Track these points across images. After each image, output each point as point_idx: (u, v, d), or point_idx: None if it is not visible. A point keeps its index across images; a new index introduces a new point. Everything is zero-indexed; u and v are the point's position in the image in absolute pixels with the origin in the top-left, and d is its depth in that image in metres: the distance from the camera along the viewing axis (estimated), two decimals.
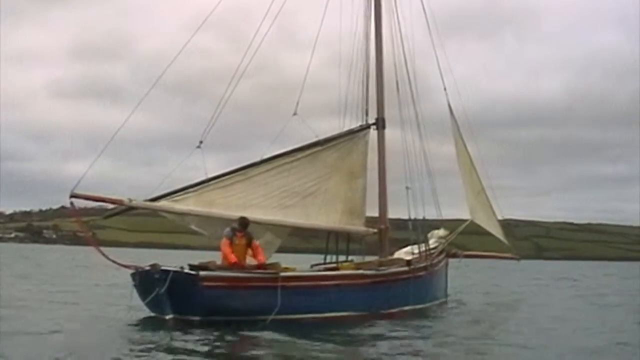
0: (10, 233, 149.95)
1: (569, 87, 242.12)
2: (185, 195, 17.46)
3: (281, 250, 19.07)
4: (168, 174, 17.95)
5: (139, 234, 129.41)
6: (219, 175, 17.85)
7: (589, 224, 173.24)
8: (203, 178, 17.58)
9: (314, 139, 18.92)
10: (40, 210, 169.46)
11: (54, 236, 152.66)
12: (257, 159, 18.25)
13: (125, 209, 17.66)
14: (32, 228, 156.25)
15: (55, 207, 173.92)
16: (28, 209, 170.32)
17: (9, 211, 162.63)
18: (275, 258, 18.52)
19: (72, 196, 16.32)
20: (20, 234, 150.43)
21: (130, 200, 17.11)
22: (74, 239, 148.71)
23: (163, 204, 17.41)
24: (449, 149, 22.10)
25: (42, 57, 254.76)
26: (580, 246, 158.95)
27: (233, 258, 15.72)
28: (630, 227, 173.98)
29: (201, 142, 17.82)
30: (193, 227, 17.92)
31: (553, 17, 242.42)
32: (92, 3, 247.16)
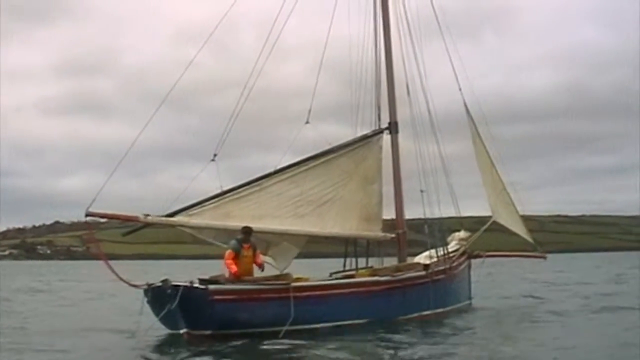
0: (5, 250, 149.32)
1: (550, 83, 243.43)
2: (201, 209, 17.34)
3: (302, 256, 18.93)
4: (184, 189, 17.70)
5: (134, 245, 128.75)
6: (234, 188, 17.75)
7: (583, 216, 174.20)
8: (218, 191, 17.54)
9: (326, 147, 18.76)
10: (34, 227, 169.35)
11: (48, 252, 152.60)
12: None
13: (143, 226, 17.43)
14: (26, 244, 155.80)
15: (48, 222, 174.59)
16: (21, 226, 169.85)
17: (2, 228, 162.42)
18: (295, 264, 18.44)
19: (87, 215, 16.15)
20: (14, 251, 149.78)
21: (146, 216, 16.95)
22: (68, 254, 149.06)
23: (179, 219, 17.32)
24: (452, 148, 21.75)
25: (30, 76, 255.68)
26: (575, 239, 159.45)
27: (234, 269, 15.58)
28: (623, 217, 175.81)
29: (215, 155, 17.72)
30: (211, 240, 17.73)
31: (530, 14, 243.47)
32: (77, 21, 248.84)
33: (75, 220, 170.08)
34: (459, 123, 21.93)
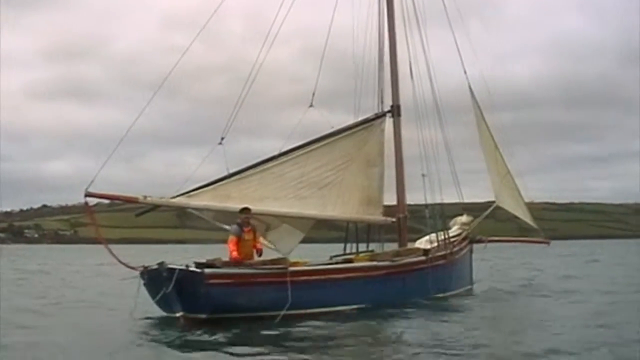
0: None
1: (535, 72, 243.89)
2: (202, 191, 17.19)
3: (309, 240, 18.78)
4: (189, 176, 17.58)
5: (122, 229, 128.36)
6: (236, 172, 17.61)
7: (571, 204, 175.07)
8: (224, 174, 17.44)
9: (330, 130, 18.63)
10: (21, 210, 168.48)
11: (36, 235, 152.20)
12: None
13: (155, 207, 17.22)
14: (13, 228, 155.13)
15: (36, 206, 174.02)
16: (9, 209, 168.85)
17: None
18: (299, 249, 18.28)
19: (86, 195, 15.89)
20: (2, 235, 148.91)
21: (145, 197, 16.73)
22: (56, 238, 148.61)
23: (179, 200, 17.14)
24: (452, 134, 21.47)
25: (17, 60, 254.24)
26: (562, 226, 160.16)
27: (234, 255, 15.48)
28: (610, 205, 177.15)
29: (222, 138, 17.56)
30: (211, 221, 17.62)
31: (515, 4, 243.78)
32: (65, 6, 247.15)
33: (63, 203, 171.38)
34: (457, 109, 21.80)
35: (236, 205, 16.75)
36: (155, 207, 17.24)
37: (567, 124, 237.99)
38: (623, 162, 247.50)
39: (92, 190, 15.72)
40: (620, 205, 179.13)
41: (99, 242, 16.01)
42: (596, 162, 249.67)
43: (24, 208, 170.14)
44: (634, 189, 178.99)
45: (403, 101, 19.81)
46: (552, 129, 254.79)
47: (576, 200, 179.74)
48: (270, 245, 17.80)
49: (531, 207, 23.08)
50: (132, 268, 15.41)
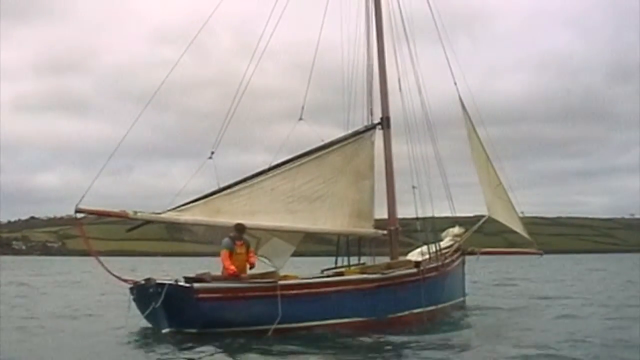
0: None
1: (524, 86, 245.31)
2: (192, 206, 17.16)
3: (299, 254, 18.77)
4: (180, 190, 17.62)
5: (110, 242, 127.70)
6: (226, 187, 17.57)
7: (559, 218, 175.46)
8: (213, 189, 17.43)
9: (319, 143, 18.63)
10: (9, 222, 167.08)
11: (24, 247, 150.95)
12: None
13: (147, 222, 17.11)
14: (0, 240, 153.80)
15: (24, 217, 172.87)
16: None
17: None
18: (290, 263, 18.20)
19: (77, 211, 15.92)
20: None
21: (135, 213, 16.71)
22: (44, 250, 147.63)
23: (169, 215, 17.09)
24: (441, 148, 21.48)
25: (7, 72, 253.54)
26: (551, 240, 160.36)
27: (232, 270, 15.39)
28: (598, 219, 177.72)
29: (212, 152, 17.55)
30: (201, 235, 17.63)
31: (504, 20, 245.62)
32: (55, 20, 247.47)
33: (52, 215, 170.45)
34: (446, 123, 21.80)
35: (227, 220, 16.73)
36: (147, 222, 17.14)
37: (554, 139, 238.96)
38: (611, 177, 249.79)
39: (73, 203, 15.72)
40: (609, 219, 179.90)
41: (88, 255, 15.91)
42: (584, 177, 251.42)
43: (12, 219, 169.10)
44: (622, 204, 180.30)
45: (393, 116, 19.76)
46: (540, 144, 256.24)
47: (564, 215, 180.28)
48: (264, 260, 17.76)
49: (521, 220, 22.99)
50: (124, 280, 15.36)
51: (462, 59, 20.90)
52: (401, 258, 19.36)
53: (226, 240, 15.80)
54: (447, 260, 19.56)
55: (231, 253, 15.61)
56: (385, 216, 19.49)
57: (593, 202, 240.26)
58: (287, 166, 18.16)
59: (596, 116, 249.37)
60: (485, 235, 22.85)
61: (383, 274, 17.38)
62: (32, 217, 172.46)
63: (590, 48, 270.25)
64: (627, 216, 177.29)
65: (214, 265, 16.07)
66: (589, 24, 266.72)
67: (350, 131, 19.16)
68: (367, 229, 18.95)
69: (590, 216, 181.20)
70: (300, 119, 19.03)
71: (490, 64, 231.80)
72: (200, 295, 14.28)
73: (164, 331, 14.27)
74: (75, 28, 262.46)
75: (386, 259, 19.19)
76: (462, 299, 21.22)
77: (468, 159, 21.53)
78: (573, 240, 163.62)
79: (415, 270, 18.04)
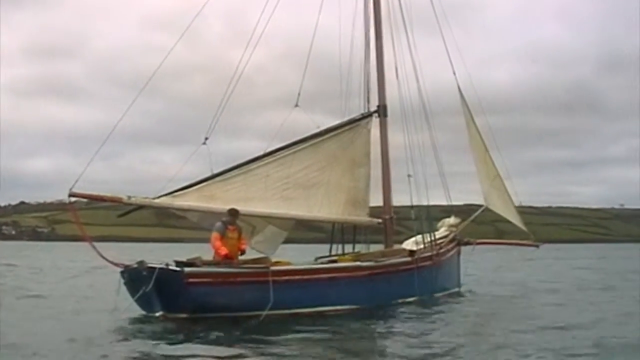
0: None
1: (512, 78, 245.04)
2: (186, 191, 17.02)
3: (289, 241, 18.68)
4: (172, 177, 17.41)
5: (101, 227, 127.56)
6: (221, 172, 17.46)
7: (549, 207, 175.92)
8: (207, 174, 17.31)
9: (315, 130, 18.52)
10: None
11: (13, 232, 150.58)
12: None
13: (139, 207, 17.04)
14: None
15: (14, 203, 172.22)
16: None
17: None
18: (282, 249, 18.09)
19: (70, 195, 15.84)
20: None
21: (129, 198, 16.60)
22: (34, 235, 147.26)
23: (163, 200, 16.99)
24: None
25: None
26: (541, 229, 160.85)
27: (224, 251, 15.29)
28: (588, 209, 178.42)
29: (206, 138, 17.46)
30: (195, 221, 17.56)
31: (494, 11, 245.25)
32: (46, 5, 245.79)
33: (42, 200, 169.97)
34: (441, 113, 21.69)
35: (221, 206, 16.60)
36: (139, 207, 17.02)
37: (545, 129, 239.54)
38: (601, 167, 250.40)
39: (65, 187, 15.67)
40: (599, 209, 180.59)
41: (78, 240, 15.80)
42: (574, 167, 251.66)
43: (2, 204, 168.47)
44: (612, 194, 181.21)
45: (390, 105, 19.70)
46: (530, 134, 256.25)
47: (554, 205, 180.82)
48: (256, 248, 17.66)
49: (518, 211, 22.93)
50: (115, 264, 15.26)
51: (456, 47, 20.68)
52: (396, 246, 19.29)
53: (218, 223, 15.67)
54: (442, 250, 19.53)
55: (222, 236, 15.46)
56: (380, 204, 19.47)
57: (583, 192, 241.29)
58: (283, 153, 18.04)
59: (586, 107, 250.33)
60: (477, 224, 22.72)
61: (376, 261, 17.34)
62: (22, 202, 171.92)
63: (581, 39, 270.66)
64: (617, 206, 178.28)
65: (206, 252, 15.92)
66: (579, 14, 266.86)
67: (346, 119, 19.06)
68: (362, 217, 18.90)
69: (580, 206, 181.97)
70: (296, 105, 18.96)
71: (481, 54, 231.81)
72: (190, 280, 14.21)
73: (156, 315, 14.28)
74: (67, 13, 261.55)
75: (380, 247, 19.15)
76: (457, 289, 21.14)
77: (463, 148, 21.49)
78: (564, 230, 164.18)
79: (409, 259, 18.03)
